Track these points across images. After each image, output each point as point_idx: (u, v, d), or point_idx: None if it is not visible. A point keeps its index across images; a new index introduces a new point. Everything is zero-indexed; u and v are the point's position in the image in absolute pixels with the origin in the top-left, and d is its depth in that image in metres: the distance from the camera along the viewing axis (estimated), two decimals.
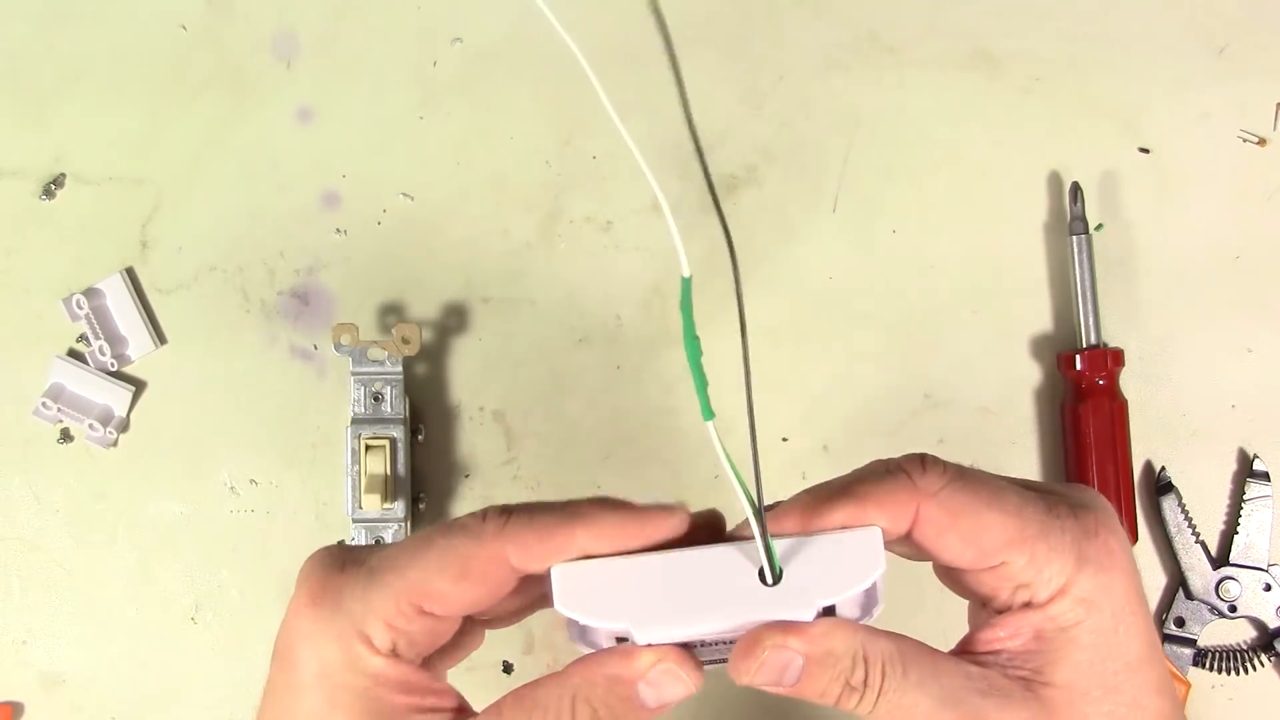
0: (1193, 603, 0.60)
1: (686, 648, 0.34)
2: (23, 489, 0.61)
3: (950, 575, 0.37)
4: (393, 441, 0.58)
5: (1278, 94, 0.63)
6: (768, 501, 0.35)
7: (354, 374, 0.59)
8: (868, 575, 0.33)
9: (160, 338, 0.62)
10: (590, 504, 0.34)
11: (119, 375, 0.62)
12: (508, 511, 0.34)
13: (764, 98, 0.63)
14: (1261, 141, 0.63)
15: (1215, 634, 0.61)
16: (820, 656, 0.33)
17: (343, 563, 0.35)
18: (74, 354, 0.62)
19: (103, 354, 0.61)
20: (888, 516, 0.34)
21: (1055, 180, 0.63)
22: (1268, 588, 0.60)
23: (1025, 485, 0.36)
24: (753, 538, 0.33)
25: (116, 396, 0.61)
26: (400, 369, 0.59)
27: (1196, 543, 0.60)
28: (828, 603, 0.33)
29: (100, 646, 0.61)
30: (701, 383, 0.32)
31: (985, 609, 0.36)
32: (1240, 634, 0.61)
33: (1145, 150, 0.63)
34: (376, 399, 0.59)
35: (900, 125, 0.63)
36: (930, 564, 0.38)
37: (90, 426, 0.60)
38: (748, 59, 0.63)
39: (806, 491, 0.35)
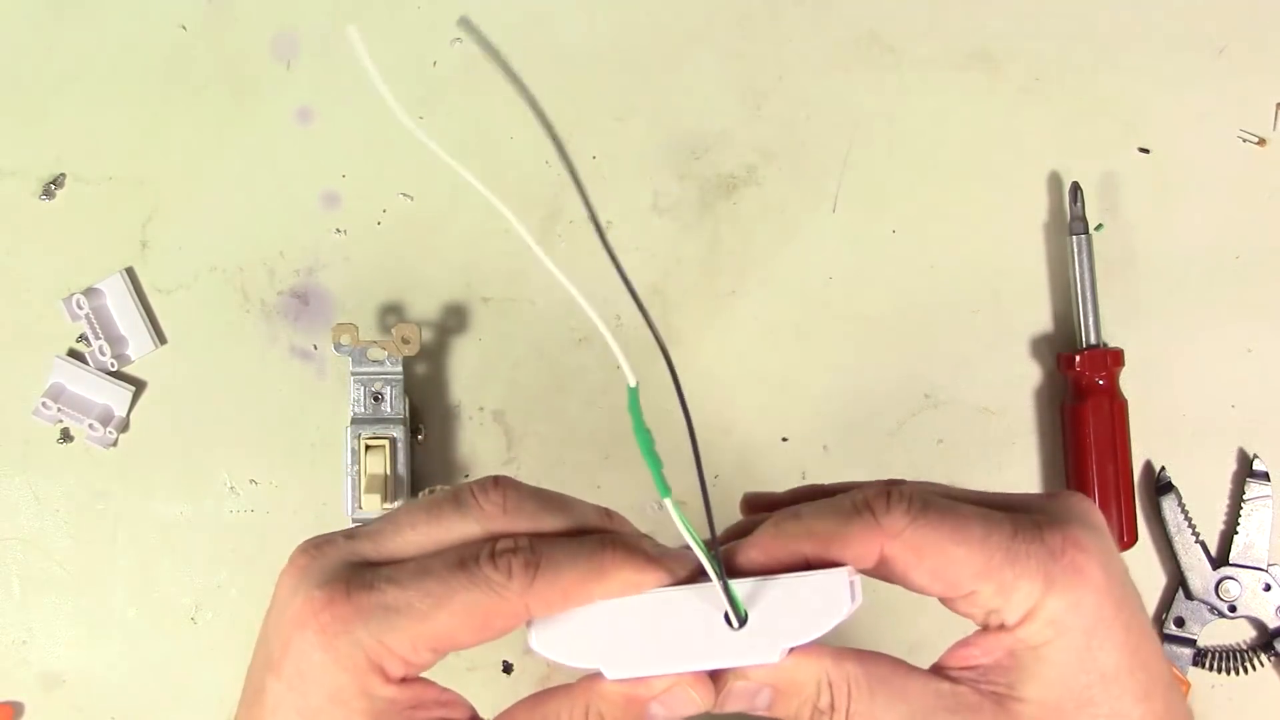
0: (1193, 603, 0.60)
1: None
2: (23, 489, 0.61)
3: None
4: (393, 441, 0.58)
5: (1278, 94, 0.63)
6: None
7: (354, 374, 0.59)
8: (832, 617, 0.34)
9: (160, 338, 0.62)
10: (610, 553, 0.35)
11: (119, 375, 0.62)
12: (533, 564, 0.34)
13: (764, 98, 0.63)
14: (1261, 141, 0.63)
15: (1215, 634, 0.61)
16: (785, 686, 0.35)
17: (348, 587, 0.34)
18: (74, 354, 0.62)
19: (103, 354, 0.61)
20: (852, 557, 0.34)
21: (1055, 180, 0.63)
22: (1267, 588, 0.60)
23: (996, 501, 0.36)
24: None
25: (116, 396, 0.61)
26: (400, 369, 0.59)
27: (1196, 543, 0.60)
28: (793, 645, 0.34)
29: (100, 646, 0.61)
30: (656, 466, 0.33)
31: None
32: (1240, 634, 0.61)
33: (1145, 150, 0.63)
34: (376, 399, 0.59)
35: (900, 125, 0.63)
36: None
37: (90, 426, 0.60)
38: (748, 59, 0.63)
39: (771, 523, 0.36)
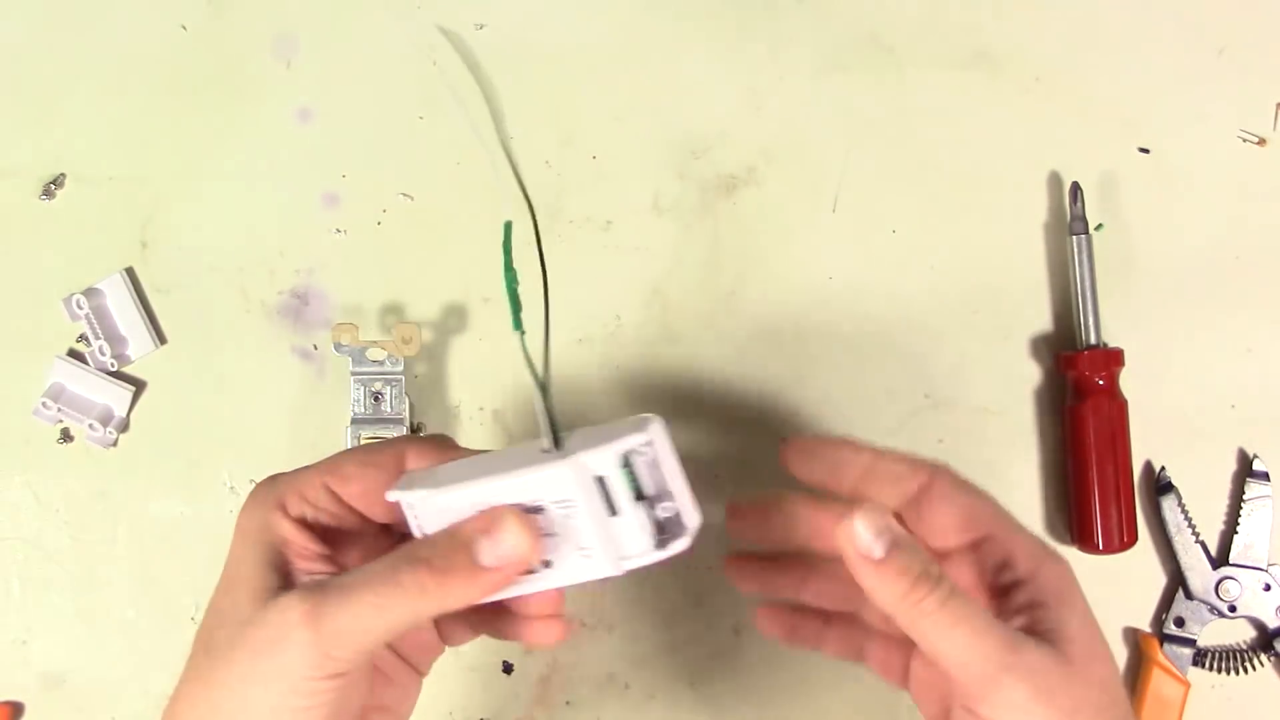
0: (1193, 603, 0.60)
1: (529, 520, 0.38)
2: (23, 489, 0.61)
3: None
4: None
5: (1278, 94, 0.63)
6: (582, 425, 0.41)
7: (354, 374, 0.59)
8: (631, 438, 0.36)
9: (160, 338, 0.62)
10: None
11: (119, 375, 0.62)
12: (415, 433, 0.44)
13: (764, 98, 0.63)
14: (1261, 141, 0.63)
15: (1215, 634, 0.61)
16: (897, 544, 0.39)
17: (281, 472, 0.43)
18: (74, 354, 0.62)
19: (103, 354, 0.61)
20: (906, 466, 0.44)
21: (1055, 180, 0.63)
22: (1267, 588, 0.60)
23: None
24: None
25: (116, 396, 0.61)
26: (400, 369, 0.59)
27: (1196, 543, 0.60)
28: (590, 456, 0.36)
29: (100, 646, 0.61)
30: (516, 306, 0.39)
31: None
32: (1240, 634, 0.61)
33: (1145, 150, 0.63)
34: (376, 399, 0.59)
35: (900, 125, 0.63)
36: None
37: (90, 426, 0.60)
38: (748, 59, 0.63)
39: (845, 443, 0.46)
